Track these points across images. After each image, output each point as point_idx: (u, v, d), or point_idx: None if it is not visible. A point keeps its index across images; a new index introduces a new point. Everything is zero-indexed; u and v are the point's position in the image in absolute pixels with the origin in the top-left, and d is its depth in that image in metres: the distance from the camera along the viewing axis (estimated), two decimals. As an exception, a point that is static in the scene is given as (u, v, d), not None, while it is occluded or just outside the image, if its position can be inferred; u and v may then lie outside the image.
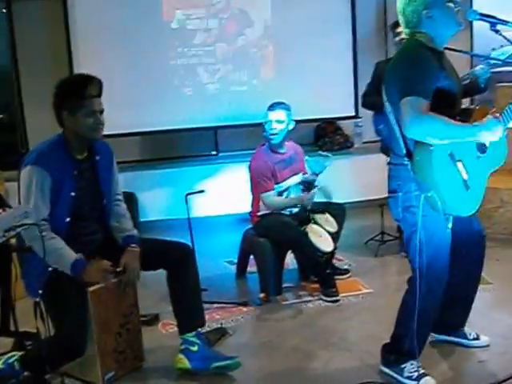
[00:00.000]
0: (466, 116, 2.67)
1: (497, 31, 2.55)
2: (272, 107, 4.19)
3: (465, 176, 2.61)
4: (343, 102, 6.45)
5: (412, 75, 2.53)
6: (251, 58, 6.25)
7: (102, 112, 2.89)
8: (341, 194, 5.16)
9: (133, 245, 3.00)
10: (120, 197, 3.20)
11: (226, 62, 6.20)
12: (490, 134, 2.54)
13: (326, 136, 6.72)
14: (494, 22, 2.56)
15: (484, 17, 2.57)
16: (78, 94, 2.80)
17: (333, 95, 6.35)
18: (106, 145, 3.13)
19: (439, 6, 2.59)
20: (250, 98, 5.77)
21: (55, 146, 2.86)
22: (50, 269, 2.75)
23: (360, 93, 6.30)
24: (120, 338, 3.01)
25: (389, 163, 2.82)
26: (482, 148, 2.69)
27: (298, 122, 4.28)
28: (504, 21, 2.54)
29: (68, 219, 2.84)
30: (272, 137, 4.16)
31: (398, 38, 4.33)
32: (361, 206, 5.81)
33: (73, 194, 2.84)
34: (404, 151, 2.64)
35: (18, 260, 2.94)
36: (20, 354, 2.90)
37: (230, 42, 6.20)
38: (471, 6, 6.35)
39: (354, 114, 6.46)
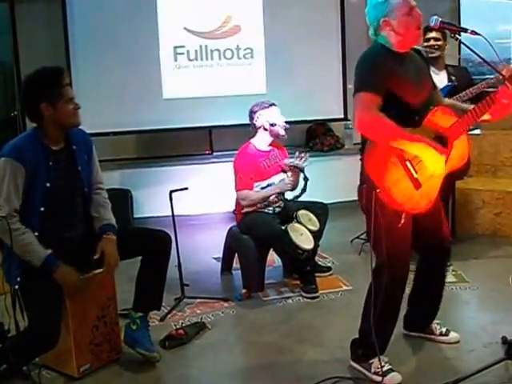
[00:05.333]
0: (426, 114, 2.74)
1: (457, 39, 2.63)
2: (270, 105, 4.28)
3: (415, 175, 2.67)
4: (333, 105, 6.55)
5: (364, 73, 2.67)
6: (245, 61, 6.35)
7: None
8: (331, 194, 5.24)
9: (109, 232, 3.03)
10: (101, 185, 3.20)
11: (220, 64, 6.31)
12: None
13: (317, 137, 6.79)
14: (453, 29, 2.64)
15: (445, 24, 2.66)
16: (55, 84, 2.85)
17: (323, 98, 6.47)
18: (83, 133, 3.12)
19: (398, 18, 2.65)
20: (244, 99, 5.84)
21: (29, 139, 2.90)
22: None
23: (349, 96, 6.40)
24: (97, 331, 3.07)
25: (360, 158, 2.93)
26: None
27: (289, 123, 4.35)
28: (464, 29, 2.62)
29: (42, 208, 2.86)
30: (283, 132, 4.24)
31: (425, 44, 4.32)
32: (350, 206, 5.80)
33: (48, 184, 2.86)
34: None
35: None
36: None
37: (224, 45, 6.31)
38: (459, 17, 6.51)
39: (343, 116, 6.58)
